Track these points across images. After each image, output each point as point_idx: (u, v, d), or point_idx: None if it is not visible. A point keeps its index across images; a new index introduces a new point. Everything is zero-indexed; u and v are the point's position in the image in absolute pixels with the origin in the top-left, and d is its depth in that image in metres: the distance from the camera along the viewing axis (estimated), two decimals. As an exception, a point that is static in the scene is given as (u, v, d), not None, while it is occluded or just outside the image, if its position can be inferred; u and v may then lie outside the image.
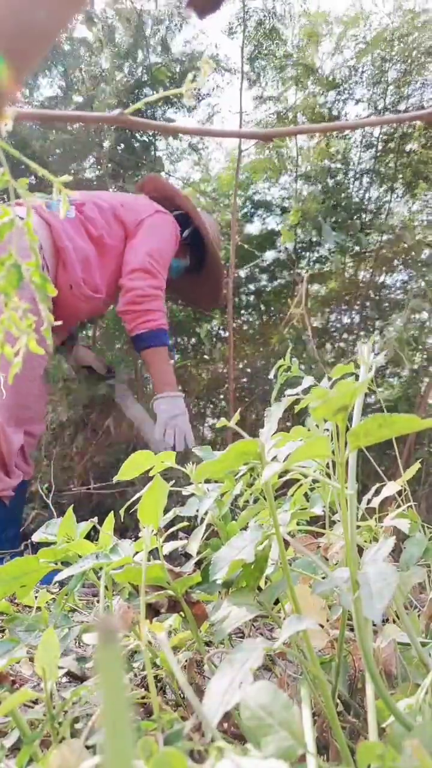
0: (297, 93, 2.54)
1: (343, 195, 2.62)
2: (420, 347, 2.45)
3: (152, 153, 2.62)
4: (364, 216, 2.64)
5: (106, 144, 2.40)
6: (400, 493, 0.68)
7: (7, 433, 1.57)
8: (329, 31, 2.40)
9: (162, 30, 2.39)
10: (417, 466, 0.66)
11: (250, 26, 2.37)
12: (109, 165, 2.48)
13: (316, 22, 2.37)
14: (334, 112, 2.57)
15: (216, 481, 0.68)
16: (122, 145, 2.48)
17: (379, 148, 2.55)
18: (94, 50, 2.37)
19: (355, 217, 2.62)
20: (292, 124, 2.53)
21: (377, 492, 0.65)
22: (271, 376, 0.84)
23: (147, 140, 2.54)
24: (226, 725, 0.50)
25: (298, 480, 0.67)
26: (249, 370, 2.95)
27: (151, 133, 2.50)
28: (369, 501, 0.64)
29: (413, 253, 2.55)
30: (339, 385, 0.36)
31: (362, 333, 2.76)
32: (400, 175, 2.60)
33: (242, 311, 2.95)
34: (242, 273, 2.80)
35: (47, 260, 1.66)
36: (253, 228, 2.91)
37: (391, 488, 0.62)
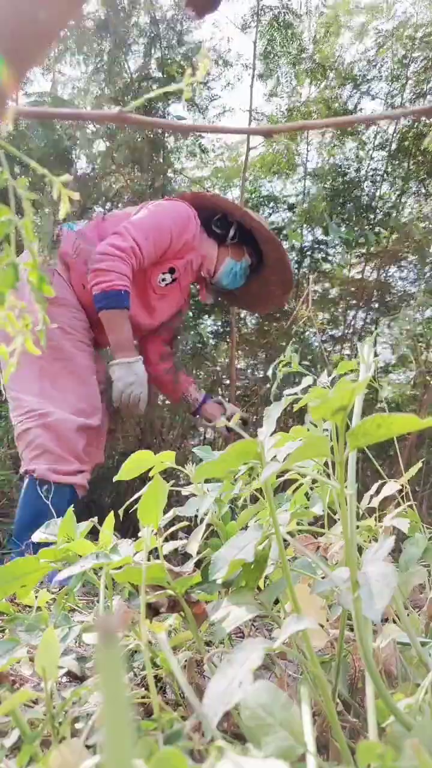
0: (311, 87, 2.53)
1: (352, 193, 2.60)
2: (426, 345, 2.45)
3: (161, 151, 2.61)
4: (373, 214, 2.63)
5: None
6: (399, 492, 0.68)
7: (59, 416, 1.55)
8: (349, 21, 2.37)
9: (174, 24, 2.38)
10: (418, 466, 0.66)
11: (264, 21, 2.36)
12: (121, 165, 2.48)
13: (337, 12, 2.34)
14: (350, 106, 2.55)
15: (218, 481, 0.68)
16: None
17: (393, 147, 2.53)
18: (104, 42, 2.37)
19: (364, 214, 2.61)
20: (305, 120, 2.52)
21: (377, 492, 0.65)
22: (270, 372, 0.83)
23: (156, 137, 2.53)
24: (226, 725, 0.50)
25: (296, 480, 0.67)
26: (249, 369, 2.95)
27: (160, 131, 2.49)
28: (369, 500, 0.64)
29: (424, 249, 2.55)
30: (338, 384, 0.36)
31: (370, 331, 2.76)
32: (414, 174, 2.58)
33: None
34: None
35: (59, 270, 1.70)
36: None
37: (390, 488, 0.62)
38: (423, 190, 2.64)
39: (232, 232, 1.94)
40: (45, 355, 1.53)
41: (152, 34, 2.36)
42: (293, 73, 2.48)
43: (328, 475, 0.64)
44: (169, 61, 2.38)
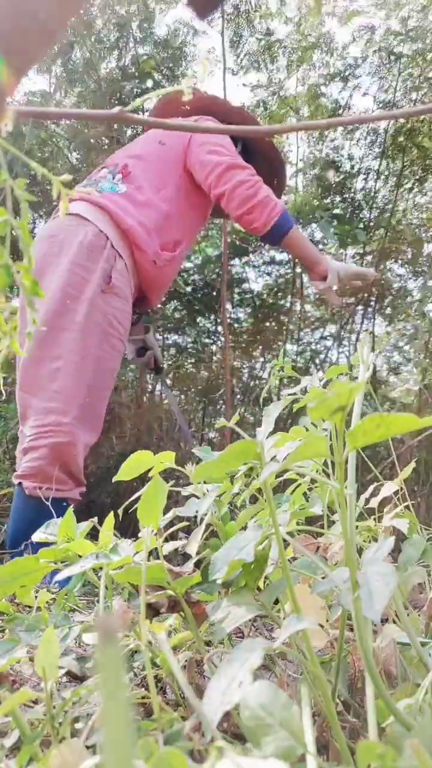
0: (286, 73, 2.51)
1: (344, 190, 2.59)
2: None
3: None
4: (367, 212, 2.63)
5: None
6: (396, 493, 0.68)
7: (76, 435, 1.43)
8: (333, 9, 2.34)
9: (143, 20, 2.37)
10: (411, 466, 0.66)
11: (228, 10, 2.33)
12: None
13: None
14: (333, 95, 2.52)
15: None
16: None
17: (388, 143, 2.52)
18: (79, 43, 2.36)
19: (357, 212, 2.60)
20: (287, 109, 2.50)
21: (374, 492, 0.65)
22: (265, 375, 0.83)
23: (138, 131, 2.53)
24: (226, 725, 0.50)
25: (294, 480, 0.67)
26: (246, 369, 2.95)
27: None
28: (367, 501, 0.64)
29: (416, 249, 2.54)
30: (337, 384, 0.36)
31: (368, 330, 2.75)
32: (407, 171, 2.57)
33: (239, 309, 2.94)
34: (237, 269, 2.79)
35: (118, 249, 1.54)
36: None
37: (389, 488, 0.62)
38: (416, 188, 2.63)
39: (239, 148, 1.81)
40: (75, 348, 1.44)
41: (122, 31, 2.34)
42: (266, 59, 2.45)
43: (328, 475, 0.64)
44: (145, 57, 2.36)
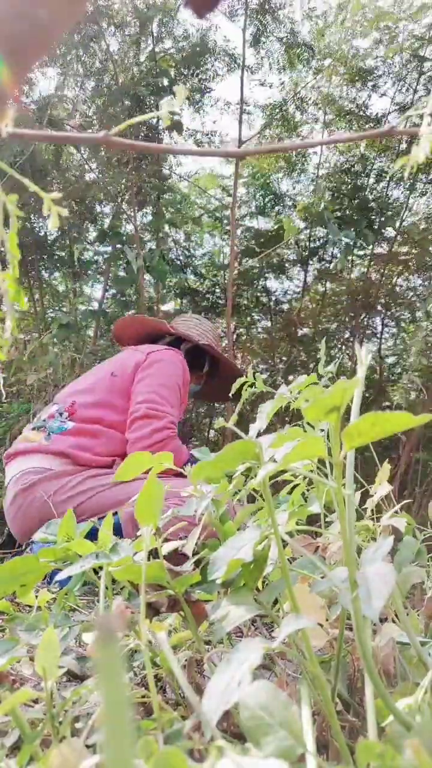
0: (293, 75, 2.48)
1: (357, 193, 2.58)
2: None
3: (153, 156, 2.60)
4: (377, 215, 2.61)
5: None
6: (399, 493, 0.68)
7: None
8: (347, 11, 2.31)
9: (163, 17, 2.36)
10: (387, 467, 0.65)
11: (253, 6, 2.30)
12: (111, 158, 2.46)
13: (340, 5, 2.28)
14: (350, 94, 2.48)
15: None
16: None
17: (401, 148, 2.50)
18: (99, 39, 2.35)
19: (369, 215, 2.59)
20: (300, 109, 2.48)
21: (367, 493, 0.65)
22: (231, 394, 0.82)
23: (150, 136, 2.53)
24: (225, 725, 0.51)
25: (292, 480, 0.68)
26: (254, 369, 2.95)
27: (156, 128, 2.48)
28: (363, 502, 0.64)
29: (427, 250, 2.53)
30: (336, 384, 0.36)
31: (374, 332, 2.74)
32: (422, 175, 2.56)
33: (248, 310, 2.94)
34: (246, 271, 2.79)
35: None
36: (263, 224, 2.89)
37: (384, 489, 0.62)
38: (429, 190, 2.62)
39: (206, 368, 2.02)
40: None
41: (141, 27, 2.33)
42: (286, 60, 2.44)
43: (326, 475, 0.64)
44: (162, 54, 2.36)
